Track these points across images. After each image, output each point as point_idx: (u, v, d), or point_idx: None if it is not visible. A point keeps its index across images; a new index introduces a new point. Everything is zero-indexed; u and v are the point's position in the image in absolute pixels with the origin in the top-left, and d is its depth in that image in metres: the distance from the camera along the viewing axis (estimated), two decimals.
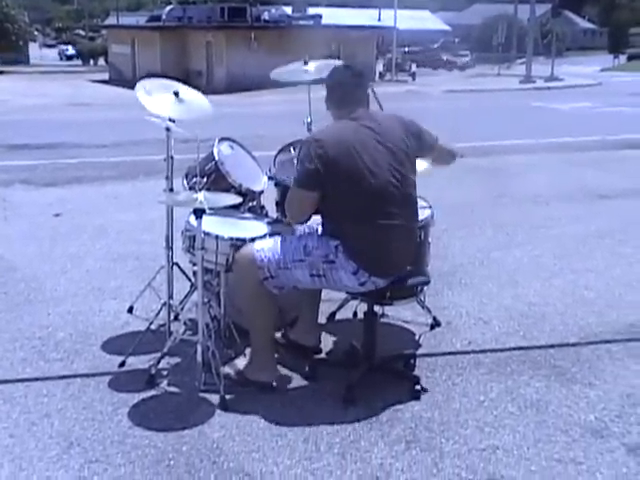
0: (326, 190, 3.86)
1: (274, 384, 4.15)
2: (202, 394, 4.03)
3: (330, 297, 4.87)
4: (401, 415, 3.89)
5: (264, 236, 4.26)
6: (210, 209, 3.95)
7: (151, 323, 4.60)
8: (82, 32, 75.50)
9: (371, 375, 4.17)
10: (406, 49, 50.18)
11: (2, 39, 49.26)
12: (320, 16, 45.24)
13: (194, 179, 4.46)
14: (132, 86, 4.85)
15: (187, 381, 4.13)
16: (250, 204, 4.79)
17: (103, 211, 8.40)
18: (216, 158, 4.66)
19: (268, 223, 4.53)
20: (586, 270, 6.34)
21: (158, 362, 4.21)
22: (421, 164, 4.33)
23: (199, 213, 3.92)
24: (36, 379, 4.28)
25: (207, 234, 4.16)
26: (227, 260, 4.25)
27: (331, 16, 47.96)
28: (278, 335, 4.52)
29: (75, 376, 4.31)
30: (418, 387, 4.12)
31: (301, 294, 4.40)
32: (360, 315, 4.67)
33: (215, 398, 3.96)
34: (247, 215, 4.69)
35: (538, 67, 41.84)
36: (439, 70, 48.65)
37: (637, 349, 4.76)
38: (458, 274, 6.15)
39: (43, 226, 7.66)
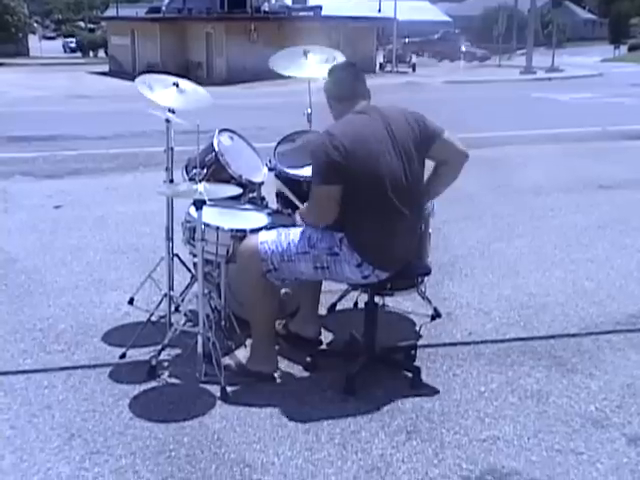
0: (345, 183, 3.83)
1: (275, 375, 4.16)
2: (203, 385, 4.03)
3: (330, 288, 4.87)
4: (402, 406, 3.90)
5: (264, 227, 4.26)
6: (210, 200, 3.95)
7: (152, 315, 4.60)
8: (82, 24, 75.43)
9: (372, 366, 4.17)
10: (406, 40, 50.07)
11: (2, 31, 49.29)
12: (320, 7, 45.09)
13: (194, 170, 4.44)
14: (132, 78, 4.86)
15: (188, 372, 4.13)
16: (250, 195, 4.79)
17: (103, 203, 8.40)
18: (216, 149, 4.66)
19: (268, 214, 4.52)
20: (587, 261, 6.33)
21: (159, 353, 4.21)
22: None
23: (199, 204, 3.92)
24: (37, 371, 4.28)
25: (207, 225, 4.16)
26: (227, 251, 4.24)
27: (331, 7, 47.78)
28: (279, 326, 4.52)
29: (76, 367, 4.32)
30: (418, 378, 4.12)
31: (301, 285, 4.40)
32: (361, 306, 4.67)
33: (216, 389, 3.96)
34: (247, 206, 4.68)
35: (539, 58, 41.78)
36: (456, 62, 48.03)
37: (638, 339, 4.76)
38: (458, 265, 6.15)
39: (43, 218, 7.66)
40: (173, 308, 4.67)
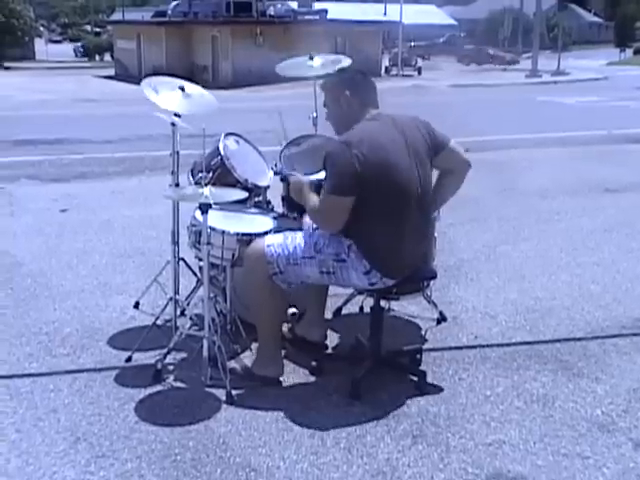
0: (360, 192, 3.80)
1: (280, 379, 4.16)
2: (208, 389, 4.03)
3: (336, 292, 4.87)
4: (407, 410, 3.89)
5: (270, 231, 4.26)
6: (216, 204, 3.95)
7: (157, 318, 4.60)
8: (88, 28, 75.62)
9: (377, 370, 4.16)
10: (412, 43, 50.02)
11: (8, 35, 49.35)
12: (326, 11, 45.18)
13: (200, 174, 4.45)
14: (138, 81, 4.86)
15: (193, 376, 4.13)
16: (256, 199, 4.79)
17: (109, 206, 8.40)
18: (222, 153, 4.66)
19: (274, 218, 4.53)
20: (593, 264, 6.32)
21: (164, 357, 4.21)
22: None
23: (205, 208, 3.92)
24: (43, 374, 4.29)
25: (213, 229, 4.17)
26: (233, 255, 4.25)
27: (337, 11, 47.83)
28: (284, 330, 4.52)
29: (82, 371, 4.32)
30: (424, 382, 4.12)
31: (308, 289, 4.40)
32: (366, 310, 4.67)
33: (221, 393, 3.96)
34: (253, 210, 4.68)
35: (544, 61, 41.71)
36: (484, 65, 47.14)
37: None
38: (464, 269, 6.15)
39: (49, 221, 7.67)
40: (179, 312, 4.67)
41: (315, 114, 5.16)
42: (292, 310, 4.68)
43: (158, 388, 4.09)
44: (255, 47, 34.16)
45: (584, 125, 16.32)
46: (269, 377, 4.13)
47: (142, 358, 4.40)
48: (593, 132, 15.11)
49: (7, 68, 46.33)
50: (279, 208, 4.89)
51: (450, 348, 4.68)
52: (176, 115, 4.38)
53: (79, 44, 64.94)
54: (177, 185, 4.52)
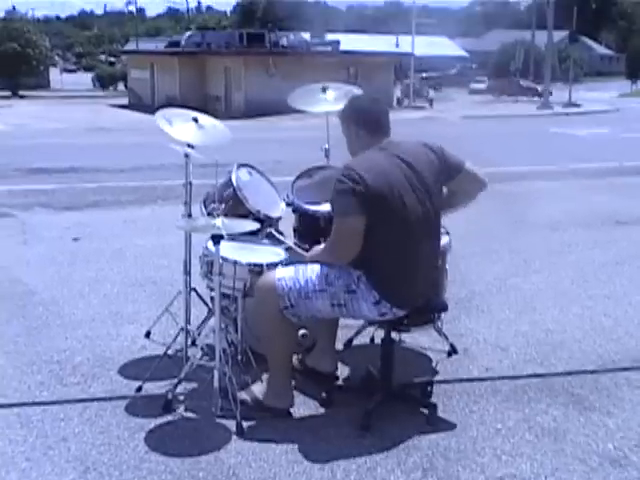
0: (367, 216, 3.81)
1: (290, 410, 4.15)
2: (219, 420, 4.02)
3: (347, 323, 4.87)
4: (418, 443, 3.87)
5: (282, 262, 4.27)
6: (228, 235, 3.97)
7: (168, 348, 4.61)
8: (102, 57, 76.38)
9: (388, 402, 4.15)
10: (424, 75, 50.24)
11: (23, 64, 49.91)
12: (338, 42, 45.55)
13: (212, 205, 4.48)
14: (151, 111, 4.91)
15: (204, 406, 4.12)
16: (268, 230, 4.81)
17: (121, 235, 8.44)
18: (234, 184, 4.68)
19: (286, 249, 4.54)
20: (604, 297, 6.31)
21: (175, 387, 4.21)
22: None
23: (217, 239, 3.94)
24: (53, 403, 4.29)
25: (225, 259, 4.18)
26: (245, 285, 4.26)
27: (349, 42, 48.24)
28: (295, 361, 4.51)
29: (92, 400, 4.32)
30: (435, 414, 4.10)
31: (318, 320, 4.39)
32: (377, 341, 4.66)
33: (231, 424, 3.95)
34: (265, 241, 4.70)
35: (556, 93, 41.90)
36: (517, 97, 46.81)
37: None
38: (475, 300, 6.14)
39: (62, 250, 7.71)
40: (190, 342, 4.67)
41: (327, 146, 5.19)
42: (302, 331, 4.65)
43: (168, 418, 4.08)
44: (268, 77, 34.42)
45: (596, 157, 16.34)
46: (279, 408, 4.12)
47: (153, 388, 4.40)
48: (605, 164, 15.13)
49: (22, 97, 46.79)
50: (291, 239, 4.90)
51: (461, 380, 4.66)
52: (189, 146, 4.42)
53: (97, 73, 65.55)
54: (190, 216, 4.54)
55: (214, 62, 38.50)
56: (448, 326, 5.08)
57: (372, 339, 5.07)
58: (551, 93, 46.18)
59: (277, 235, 4.55)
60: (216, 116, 4.81)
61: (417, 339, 5.13)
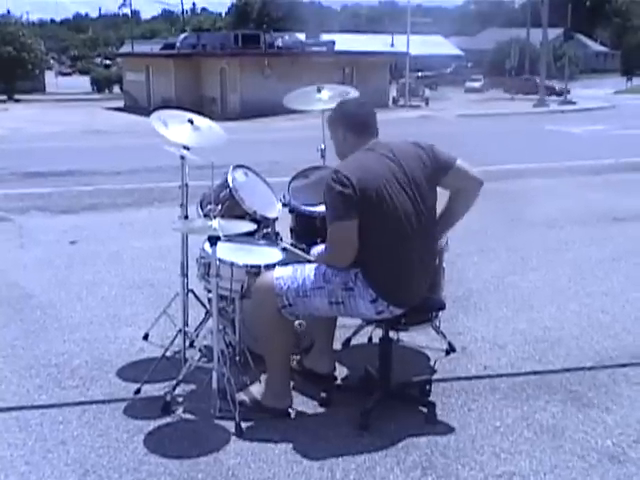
0: (359, 218, 3.82)
1: (289, 411, 4.15)
2: (217, 421, 4.02)
3: (345, 323, 4.87)
4: (417, 441, 3.88)
5: (279, 263, 4.27)
6: (225, 236, 3.97)
7: (166, 350, 4.61)
8: (98, 60, 76.39)
9: (387, 401, 4.15)
10: (419, 74, 50.22)
11: (19, 68, 49.91)
12: (333, 42, 45.54)
13: (209, 206, 4.48)
14: (147, 113, 4.90)
15: (202, 408, 4.12)
16: (265, 231, 4.81)
17: (118, 238, 8.44)
18: (231, 185, 4.69)
19: (282, 250, 4.54)
20: (602, 294, 6.31)
21: (173, 389, 4.21)
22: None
23: (214, 240, 3.94)
24: (52, 406, 4.29)
25: (222, 261, 4.18)
26: (242, 287, 4.26)
27: (344, 42, 48.24)
28: (293, 362, 4.51)
29: (91, 403, 4.32)
30: (433, 413, 4.11)
31: (316, 321, 4.40)
32: (375, 341, 4.67)
33: (230, 425, 3.95)
34: (261, 242, 4.70)
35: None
36: (529, 95, 45.76)
37: None
38: (473, 299, 6.14)
39: (59, 253, 7.70)
40: (188, 344, 4.67)
41: (323, 146, 5.19)
42: (298, 321, 4.60)
43: (167, 420, 4.08)
44: (263, 79, 34.42)
45: (592, 154, 16.35)
46: (278, 409, 4.12)
47: (151, 390, 4.40)
48: (601, 161, 15.14)
49: (18, 101, 46.74)
50: (288, 240, 4.91)
51: (459, 379, 4.66)
52: (185, 148, 4.42)
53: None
54: (186, 217, 4.55)
55: (209, 64, 38.48)
56: (446, 325, 5.09)
57: (370, 338, 5.07)
58: (569, 91, 45.99)
59: (291, 248, 4.52)
60: (212, 117, 4.81)
61: (415, 338, 5.14)
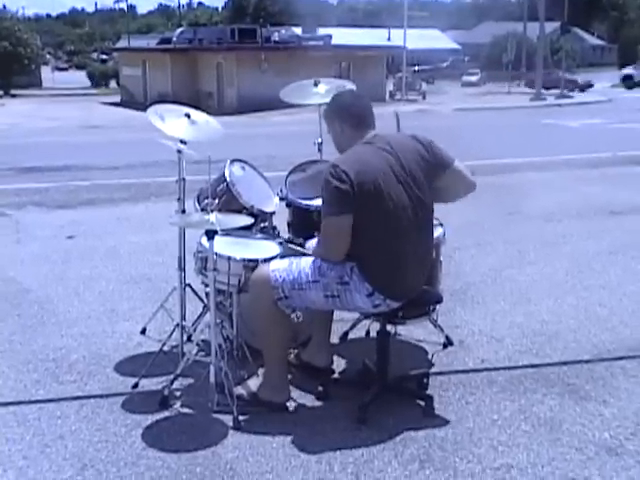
0: (354, 212, 3.82)
1: (287, 404, 4.15)
2: (215, 415, 4.02)
3: (342, 317, 4.88)
4: (414, 434, 3.88)
5: (276, 257, 4.27)
6: (222, 230, 3.97)
7: (164, 344, 4.61)
8: (94, 55, 76.28)
9: (384, 394, 4.16)
10: (416, 68, 50.17)
11: (15, 63, 49.81)
12: (330, 36, 45.50)
13: (206, 200, 4.47)
14: (143, 108, 4.89)
15: (200, 402, 4.12)
16: (262, 225, 4.81)
17: (115, 233, 8.43)
18: (228, 179, 4.69)
19: (280, 244, 4.54)
20: (599, 287, 6.32)
21: (171, 383, 4.21)
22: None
23: (211, 234, 3.94)
24: (50, 400, 4.29)
25: (219, 255, 4.18)
26: (239, 281, 4.26)
27: (341, 36, 48.17)
28: (290, 356, 4.52)
29: (88, 397, 4.32)
30: (431, 406, 4.11)
31: (313, 314, 4.40)
32: (373, 334, 4.67)
33: (228, 419, 3.96)
34: (259, 236, 4.70)
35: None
36: (552, 90, 44.65)
37: None
38: (470, 292, 6.15)
39: (56, 248, 7.70)
40: (185, 338, 4.68)
41: (320, 140, 5.18)
42: (295, 313, 4.59)
43: (165, 414, 4.09)
44: (260, 73, 34.41)
45: (589, 148, 16.35)
46: (276, 402, 4.12)
47: (149, 384, 4.40)
48: (598, 154, 15.14)
49: (14, 96, 46.69)
50: (285, 234, 4.91)
51: (457, 372, 4.67)
52: (182, 142, 4.42)
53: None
54: (183, 212, 4.54)
55: (206, 58, 38.44)
56: (443, 318, 5.09)
57: (368, 332, 5.08)
58: (592, 85, 45.39)
59: (293, 245, 4.51)
60: (209, 112, 4.80)
61: (412, 331, 5.14)
